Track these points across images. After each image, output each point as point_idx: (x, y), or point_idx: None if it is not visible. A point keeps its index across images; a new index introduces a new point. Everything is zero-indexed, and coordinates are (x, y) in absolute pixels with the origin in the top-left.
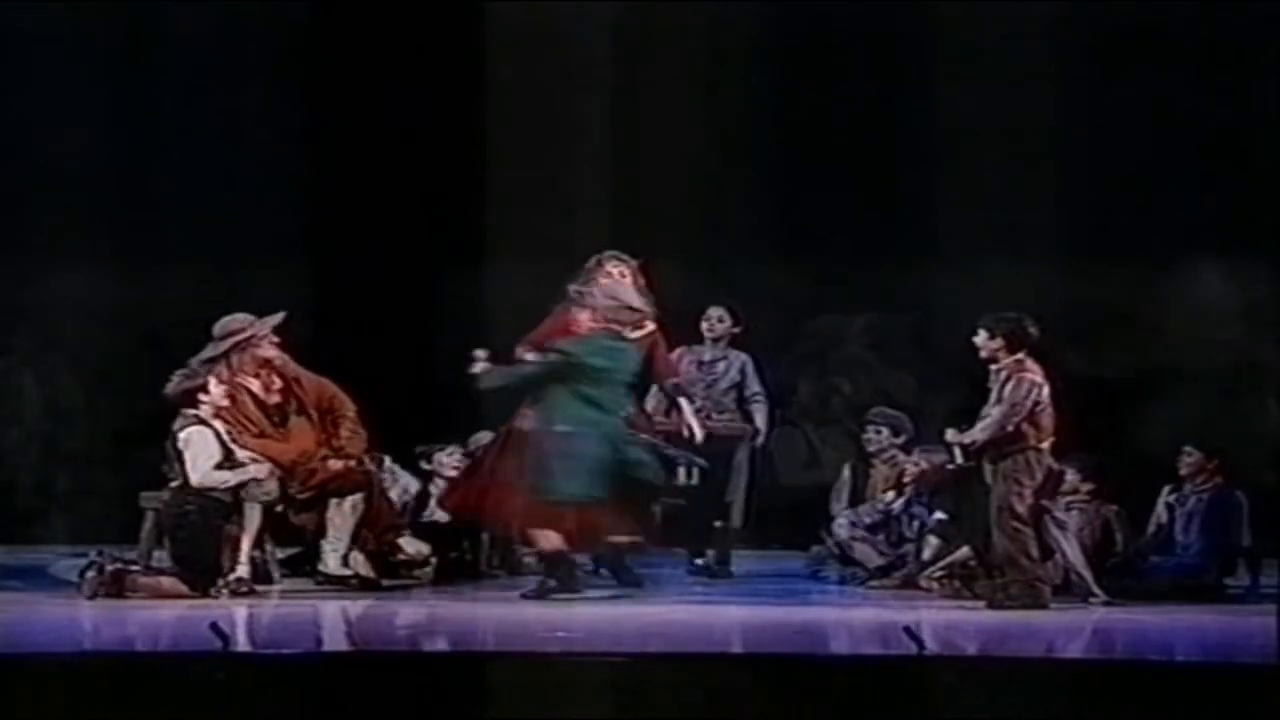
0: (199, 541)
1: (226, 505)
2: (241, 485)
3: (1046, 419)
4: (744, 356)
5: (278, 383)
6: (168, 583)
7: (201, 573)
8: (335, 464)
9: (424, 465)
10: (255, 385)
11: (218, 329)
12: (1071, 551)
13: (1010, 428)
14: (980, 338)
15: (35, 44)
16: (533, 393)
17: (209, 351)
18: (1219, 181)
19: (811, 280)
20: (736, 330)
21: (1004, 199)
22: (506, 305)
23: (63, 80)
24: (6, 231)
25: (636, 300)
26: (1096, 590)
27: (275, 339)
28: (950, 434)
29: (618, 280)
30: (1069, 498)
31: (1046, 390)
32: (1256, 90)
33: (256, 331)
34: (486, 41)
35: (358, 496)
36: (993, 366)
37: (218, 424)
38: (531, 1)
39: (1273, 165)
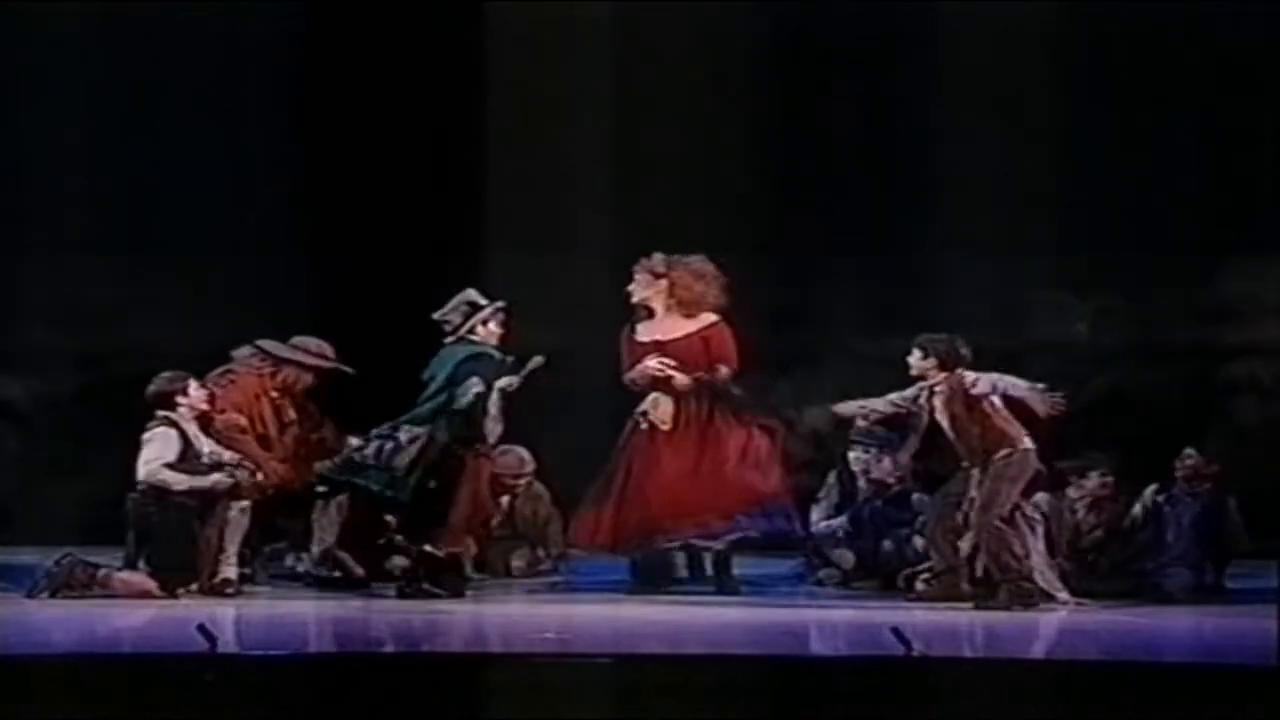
0: (163, 542)
1: (192, 507)
2: (193, 491)
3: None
4: None
5: (292, 414)
6: (136, 580)
7: (168, 573)
8: (320, 466)
9: None
10: (268, 409)
11: (295, 340)
12: (1036, 550)
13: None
14: (914, 356)
15: (32, 40)
16: None
17: (271, 347)
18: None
19: (810, 279)
20: None
21: (1001, 199)
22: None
23: (58, 76)
24: None
25: None
26: (1058, 592)
27: (312, 380)
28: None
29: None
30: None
31: (999, 400)
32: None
33: (320, 367)
34: (486, 39)
35: (343, 498)
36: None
37: (191, 427)
38: (532, 1)
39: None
